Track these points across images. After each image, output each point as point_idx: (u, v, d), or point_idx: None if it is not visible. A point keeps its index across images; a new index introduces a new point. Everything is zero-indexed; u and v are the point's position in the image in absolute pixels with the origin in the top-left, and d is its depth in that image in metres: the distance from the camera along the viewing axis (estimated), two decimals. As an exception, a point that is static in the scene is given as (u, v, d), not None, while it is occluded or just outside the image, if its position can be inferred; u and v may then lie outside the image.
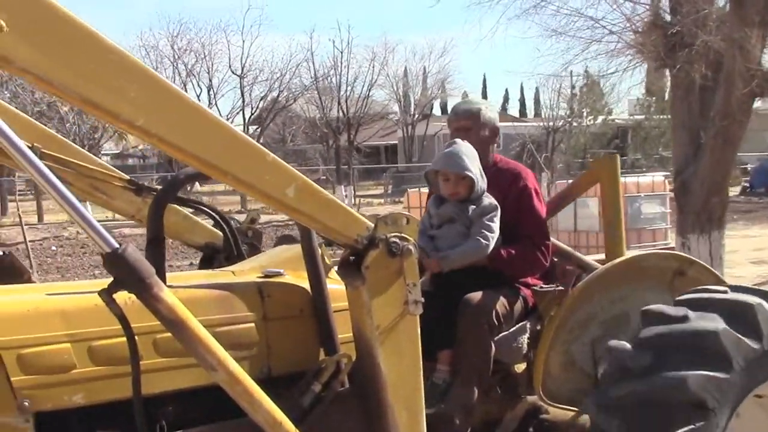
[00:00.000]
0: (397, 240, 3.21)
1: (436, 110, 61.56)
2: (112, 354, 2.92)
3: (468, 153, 4.05)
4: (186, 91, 40.99)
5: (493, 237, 3.99)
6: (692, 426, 3.40)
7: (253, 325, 3.29)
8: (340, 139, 45.62)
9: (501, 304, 4.01)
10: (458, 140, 4.13)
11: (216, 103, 41.24)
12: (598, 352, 3.95)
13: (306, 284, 3.45)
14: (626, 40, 10.73)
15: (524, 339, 4.10)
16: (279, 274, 3.52)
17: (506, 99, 78.37)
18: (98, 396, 2.92)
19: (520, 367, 4.23)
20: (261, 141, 55.51)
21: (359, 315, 3.27)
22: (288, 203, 3.00)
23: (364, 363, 3.30)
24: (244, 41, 41.77)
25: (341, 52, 44.40)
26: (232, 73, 41.44)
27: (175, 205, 4.29)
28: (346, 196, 27.72)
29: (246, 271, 3.61)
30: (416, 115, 48.99)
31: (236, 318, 3.26)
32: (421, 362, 3.34)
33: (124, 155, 55.39)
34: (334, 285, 3.44)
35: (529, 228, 4.21)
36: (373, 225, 3.21)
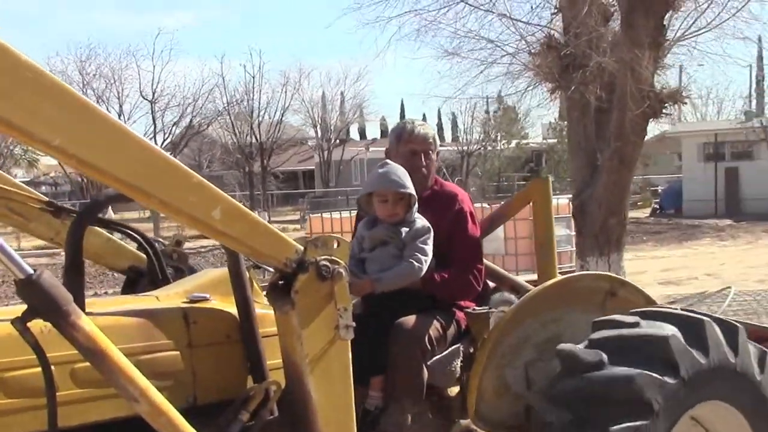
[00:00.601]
0: (328, 263, 3.13)
1: (354, 135, 61.64)
2: (27, 385, 2.77)
3: (403, 173, 4.00)
4: None
5: (426, 260, 3.92)
6: (634, 423, 3.40)
7: (177, 352, 3.16)
8: (254, 164, 45.14)
9: (434, 327, 3.94)
10: (389, 161, 4.07)
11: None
12: (531, 376, 3.91)
13: (233, 309, 3.34)
14: (522, 62, 10.75)
15: (457, 362, 4.04)
16: (205, 299, 3.39)
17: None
18: (11, 431, 2.75)
19: (454, 391, 4.16)
20: (177, 167, 54.76)
21: (288, 341, 3.17)
22: (214, 226, 2.90)
23: (293, 390, 3.20)
24: (154, 66, 41.18)
25: (253, 77, 44.27)
26: (143, 98, 40.90)
27: (97, 228, 4.11)
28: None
29: (171, 296, 3.47)
30: (334, 140, 48.92)
31: (159, 345, 3.13)
32: (353, 388, 3.25)
33: (35, 182, 54.00)
34: (263, 309, 3.33)
35: (463, 251, 4.17)
36: (302, 248, 3.11)
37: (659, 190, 38.81)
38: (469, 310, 4.11)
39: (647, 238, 24.56)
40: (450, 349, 4.05)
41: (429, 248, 3.95)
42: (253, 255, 3.12)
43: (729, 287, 7.14)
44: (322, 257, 3.13)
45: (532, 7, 10.81)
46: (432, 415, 4.05)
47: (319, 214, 15.35)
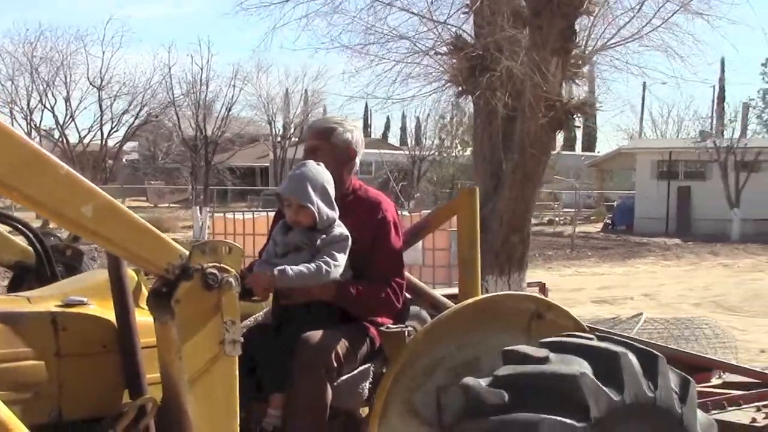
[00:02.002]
0: (215, 271, 2.84)
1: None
2: None
3: (316, 179, 3.68)
4: (43, 101, 39.15)
5: (337, 266, 3.62)
6: None
7: (42, 362, 2.86)
8: (198, 158, 44.19)
9: (342, 344, 3.64)
10: (310, 162, 3.76)
11: (73, 115, 39.53)
12: (444, 402, 3.61)
13: (113, 316, 3.02)
14: (428, 64, 10.09)
15: (367, 384, 3.75)
16: (82, 303, 3.08)
17: (387, 126, 78.46)
18: None
19: (365, 412, 3.87)
20: (132, 157, 53.78)
21: (167, 354, 2.88)
22: (85, 224, 2.60)
23: (170, 408, 2.90)
24: (104, 52, 40.22)
25: (201, 69, 42.67)
26: (90, 84, 40.00)
27: None
28: (201, 217, 26.77)
29: (44, 298, 3.15)
30: (291, 138, 48.30)
31: (20, 353, 2.82)
32: (237, 409, 2.96)
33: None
34: (148, 318, 3.01)
35: (383, 263, 3.86)
36: (187, 253, 2.81)
37: (615, 206, 38.90)
38: (383, 328, 3.82)
39: (591, 254, 24.52)
40: (360, 368, 3.76)
41: (342, 257, 3.65)
42: (130, 258, 2.82)
43: (641, 313, 6.97)
44: (210, 264, 2.84)
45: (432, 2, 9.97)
46: None
47: (222, 214, 14.61)
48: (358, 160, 4.00)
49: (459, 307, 3.85)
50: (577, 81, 9.21)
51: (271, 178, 50.26)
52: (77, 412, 2.90)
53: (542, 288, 7.00)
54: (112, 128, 40.37)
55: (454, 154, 40.27)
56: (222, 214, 14.49)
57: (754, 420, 4.94)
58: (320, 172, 3.70)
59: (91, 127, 39.99)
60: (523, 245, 9.19)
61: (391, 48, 10.33)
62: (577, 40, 8.82)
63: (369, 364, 3.79)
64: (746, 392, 5.29)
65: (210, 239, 3.02)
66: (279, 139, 49.15)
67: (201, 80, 42.54)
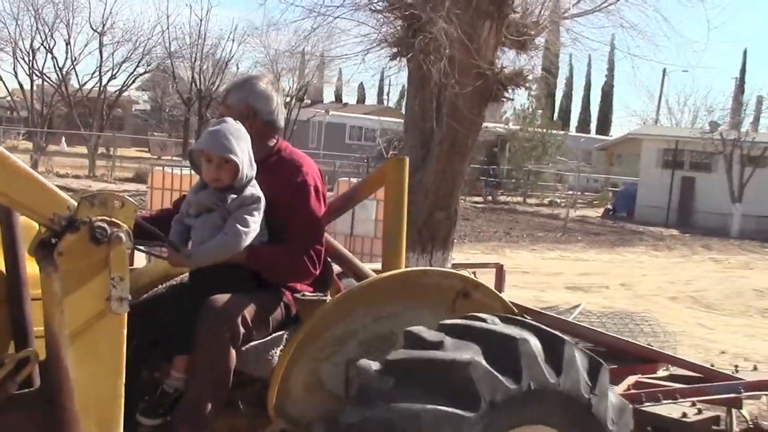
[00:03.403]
0: (105, 225, 2.74)
1: (330, 97, 60.07)
2: None
3: (236, 134, 3.58)
4: (46, 44, 38.44)
5: (248, 232, 3.52)
6: None
7: None
8: (191, 112, 43.53)
9: (251, 309, 3.55)
10: (228, 119, 3.65)
11: (74, 60, 39.13)
12: (352, 375, 3.53)
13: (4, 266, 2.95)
14: (363, 21, 9.42)
15: (278, 351, 3.66)
16: None
17: (403, 94, 77.74)
18: None
19: None
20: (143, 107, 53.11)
21: (49, 307, 2.80)
22: (-40, 168, 2.50)
23: (50, 363, 2.82)
24: None
25: (200, 20, 40.96)
26: (92, 29, 39.12)
27: None
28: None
29: None
30: (294, 99, 47.79)
31: None
32: (123, 367, 2.88)
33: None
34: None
35: (299, 227, 3.75)
36: (75, 204, 2.72)
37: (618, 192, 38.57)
38: (298, 295, 3.74)
39: (582, 239, 24.26)
40: (273, 335, 3.68)
41: (254, 220, 3.55)
42: (12, 204, 2.74)
43: (579, 304, 6.85)
44: (98, 217, 2.75)
45: None
46: (244, 406, 3.70)
47: (161, 168, 13.71)
48: (272, 119, 3.86)
49: (377, 278, 3.78)
50: (526, 52, 8.59)
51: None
52: None
53: (499, 270, 6.86)
54: (112, 76, 39.76)
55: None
56: (161, 168, 14.07)
57: (684, 415, 4.87)
58: (240, 128, 3.60)
59: (94, 73, 39.46)
60: (449, 222, 8.67)
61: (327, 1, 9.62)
62: (521, 6, 8.30)
63: (283, 332, 3.71)
64: (685, 386, 5.23)
65: (99, 192, 2.91)
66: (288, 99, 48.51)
67: (199, 32, 41.22)
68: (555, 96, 65.67)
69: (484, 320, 3.51)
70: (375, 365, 3.29)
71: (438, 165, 8.34)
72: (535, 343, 3.35)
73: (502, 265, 7.06)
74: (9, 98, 43.72)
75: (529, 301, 11.24)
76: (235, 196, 3.55)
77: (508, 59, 8.69)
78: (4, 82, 40.95)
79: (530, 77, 8.54)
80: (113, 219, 2.78)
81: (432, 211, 8.43)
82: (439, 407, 3.10)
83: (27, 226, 2.93)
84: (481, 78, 7.81)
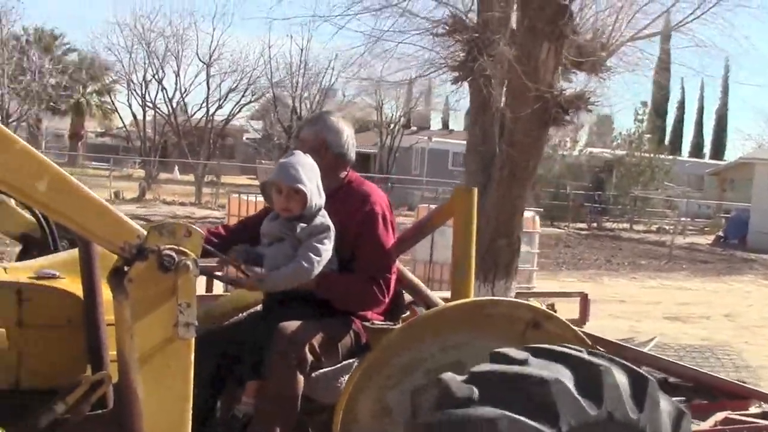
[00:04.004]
0: (172, 253, 2.86)
1: (437, 125, 59.85)
2: None
3: (305, 165, 3.70)
4: (157, 76, 39.79)
5: (319, 260, 3.62)
6: None
7: (1, 329, 2.95)
8: (290, 139, 43.91)
9: (321, 336, 3.63)
10: (297, 151, 3.78)
11: (183, 91, 40.38)
12: (419, 403, 3.55)
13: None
14: (425, 45, 9.37)
15: (346, 378, 3.73)
16: (53, 277, 3.17)
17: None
18: None
19: None
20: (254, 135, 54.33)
21: (121, 333, 2.93)
22: (38, 198, 2.69)
23: (122, 386, 2.95)
24: (214, 29, 40.20)
25: (301, 50, 40.99)
26: (200, 60, 40.34)
27: None
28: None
29: (19, 270, 3.27)
30: (397, 126, 47.99)
31: None
32: (190, 392, 2.99)
33: (108, 134, 55.05)
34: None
35: (368, 257, 3.83)
36: (145, 233, 2.85)
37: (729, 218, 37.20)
38: (367, 324, 3.80)
39: (686, 267, 23.46)
40: (343, 363, 3.75)
41: (325, 248, 3.64)
42: (87, 234, 2.89)
43: (654, 337, 6.63)
44: (167, 246, 2.87)
45: None
46: (314, 431, 3.77)
47: (237, 196, 13.89)
48: (343, 152, 3.98)
49: (444, 307, 3.80)
50: (596, 74, 8.33)
51: (375, 165, 50.24)
52: (35, 382, 3.00)
53: (583, 299, 6.70)
54: (218, 106, 40.85)
55: (561, 152, 39.30)
56: (237, 195, 14.01)
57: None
58: (309, 160, 3.72)
59: (202, 104, 40.70)
60: (510, 249, 8.42)
61: (394, 25, 9.67)
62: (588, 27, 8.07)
63: (353, 360, 3.77)
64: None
65: (168, 221, 3.04)
66: (390, 125, 48.77)
67: (300, 61, 41.52)
68: (666, 120, 64.13)
69: (570, 348, 3.50)
70: (458, 377, 3.32)
71: (498, 191, 8.18)
72: (620, 376, 3.32)
73: (586, 294, 6.89)
74: (124, 129, 45.46)
75: (623, 332, 11.01)
76: (304, 225, 3.65)
77: (578, 81, 8.50)
78: (119, 114, 42.63)
79: (592, 99, 8.21)
80: (181, 247, 2.89)
81: (494, 238, 8.27)
82: (519, 417, 3.11)
83: (106, 257, 3.07)
84: (540, 101, 7.62)
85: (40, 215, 3.88)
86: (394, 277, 3.90)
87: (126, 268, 2.88)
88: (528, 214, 14.51)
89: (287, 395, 3.52)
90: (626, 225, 36.92)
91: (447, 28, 8.66)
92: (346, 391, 3.56)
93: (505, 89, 8.11)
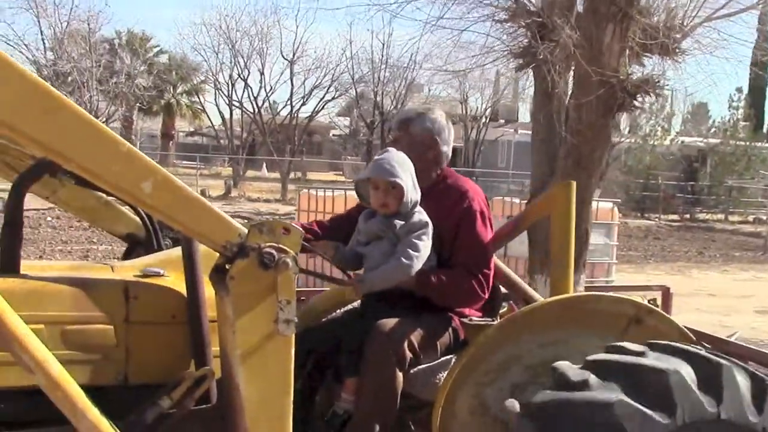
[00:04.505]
0: (273, 251, 2.90)
1: (525, 116, 59.03)
2: None
3: (400, 161, 3.69)
4: (242, 75, 40.21)
5: (418, 257, 3.61)
6: None
7: (110, 326, 3.03)
8: (373, 136, 43.71)
9: (419, 333, 3.62)
10: (391, 149, 3.78)
11: (269, 89, 40.77)
12: (518, 400, 3.52)
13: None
14: (485, 32, 8.91)
15: (445, 375, 3.72)
16: (158, 275, 3.24)
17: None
18: None
19: None
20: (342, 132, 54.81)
21: (222, 329, 2.99)
22: (143, 199, 2.77)
23: (225, 382, 3.01)
24: (297, 26, 40.41)
25: (383, 45, 40.37)
26: (283, 58, 40.46)
27: (97, 192, 4.03)
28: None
29: (126, 268, 3.35)
30: (484, 119, 47.53)
31: (91, 317, 3.01)
32: (291, 387, 3.03)
33: (197, 133, 56.16)
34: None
35: (467, 253, 3.81)
36: (246, 231, 2.90)
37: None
38: (466, 320, 3.79)
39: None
40: (441, 359, 3.74)
41: (424, 244, 3.63)
42: (189, 233, 2.95)
43: (735, 332, 6.34)
44: (267, 244, 2.91)
45: None
46: (415, 428, 3.78)
47: (307, 191, 13.94)
48: (446, 149, 3.97)
49: (541, 303, 3.77)
50: (671, 57, 7.87)
51: (460, 159, 49.96)
52: (142, 377, 3.06)
53: (665, 293, 6.48)
54: (303, 103, 41.12)
55: (652, 142, 38.34)
56: (306, 191, 14.02)
57: None
58: (403, 156, 3.72)
59: (288, 101, 41.02)
60: (578, 242, 8.04)
61: (451, 12, 9.08)
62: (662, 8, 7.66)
63: (451, 356, 3.76)
64: None
65: (268, 219, 3.09)
66: (476, 118, 48.32)
67: (381, 57, 41.17)
68: (764, 107, 61.81)
69: (632, 352, 3.40)
70: (574, 365, 3.33)
71: (563, 181, 7.97)
72: (688, 372, 3.22)
73: (668, 288, 6.65)
74: (212, 128, 46.23)
75: (710, 326, 10.63)
76: (402, 222, 3.65)
77: (650, 64, 8.10)
78: (207, 114, 43.24)
79: (661, 83, 7.80)
80: (280, 245, 2.93)
81: None
82: (635, 404, 3.09)
83: (209, 255, 3.13)
84: (605, 86, 7.34)
85: (144, 215, 3.96)
86: (492, 273, 3.88)
87: (227, 266, 2.93)
88: (607, 205, 14.25)
89: (386, 392, 3.53)
90: (721, 216, 35.87)
91: (509, 13, 8.36)
92: (444, 387, 3.55)
93: (570, 76, 7.83)
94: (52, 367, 2.61)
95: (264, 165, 45.88)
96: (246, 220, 3.12)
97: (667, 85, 8.37)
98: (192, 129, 55.14)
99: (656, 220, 33.02)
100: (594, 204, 14.61)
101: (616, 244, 14.32)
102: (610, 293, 4.07)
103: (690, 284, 16.12)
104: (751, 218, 35.09)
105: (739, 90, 42.35)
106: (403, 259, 3.58)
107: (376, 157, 3.77)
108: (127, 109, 37.87)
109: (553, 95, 8.07)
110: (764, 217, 33.63)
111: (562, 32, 7.34)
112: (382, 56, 40.98)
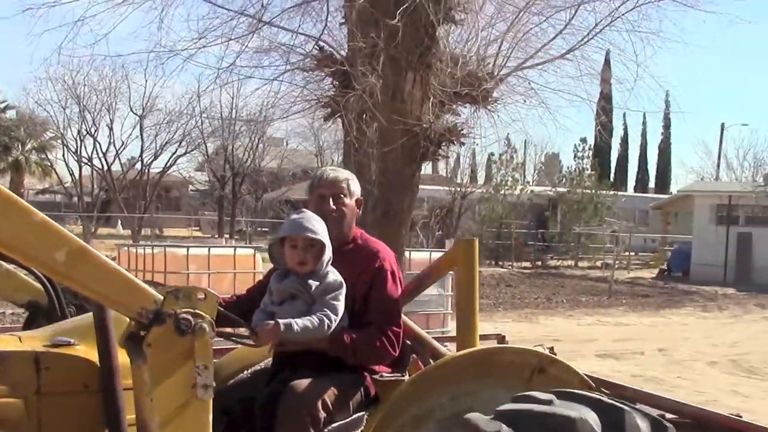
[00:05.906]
0: (189, 317, 2.87)
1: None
2: None
3: (317, 220, 3.76)
4: (91, 131, 38.76)
5: (336, 318, 3.65)
6: None
7: (20, 400, 2.94)
8: (225, 188, 43.77)
9: (332, 392, 3.63)
10: (306, 210, 3.83)
11: (120, 144, 40.00)
12: None
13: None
14: (295, 82, 8.99)
15: None
16: (68, 344, 3.15)
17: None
18: None
19: None
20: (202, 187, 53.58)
21: (139, 396, 2.94)
22: (57, 269, 2.71)
23: (142, 451, 2.91)
24: (146, 81, 37.74)
25: (232, 98, 39.10)
26: (132, 112, 39.85)
27: None
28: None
29: (34, 338, 3.26)
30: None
31: (0, 391, 2.86)
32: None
33: (49, 191, 54.17)
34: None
35: (379, 312, 3.87)
36: (162, 298, 2.84)
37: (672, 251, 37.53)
38: (376, 377, 3.80)
39: (626, 302, 23.27)
40: (354, 416, 3.74)
41: (340, 305, 3.67)
42: (104, 301, 2.91)
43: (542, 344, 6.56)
44: (183, 310, 2.88)
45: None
46: None
47: (126, 249, 13.81)
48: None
49: (452, 357, 3.83)
50: (484, 106, 8.01)
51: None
52: None
53: (501, 340, 6.64)
54: (154, 158, 40.35)
55: (503, 191, 39.48)
56: (126, 249, 13.82)
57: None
58: (317, 216, 3.78)
59: (139, 156, 40.19)
60: None
61: (250, 59, 9.32)
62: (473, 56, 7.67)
63: (363, 413, 3.77)
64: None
65: (183, 285, 3.04)
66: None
67: (230, 112, 40.35)
68: (610, 156, 64.65)
69: (540, 401, 3.47)
70: (485, 417, 3.30)
71: (374, 233, 7.99)
72: (593, 418, 3.30)
73: (503, 336, 6.77)
74: (61, 186, 44.71)
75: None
76: (317, 282, 3.68)
77: (465, 113, 8.12)
78: (55, 171, 41.71)
79: (465, 131, 7.85)
80: (197, 311, 2.89)
81: None
82: None
83: (118, 321, 3.06)
84: (408, 135, 7.25)
85: (46, 282, 3.82)
86: (402, 330, 3.93)
87: (142, 333, 2.87)
88: (437, 255, 14.16)
89: None
90: (571, 262, 37.07)
91: (315, 61, 8.28)
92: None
93: (372, 123, 7.70)
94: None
95: (119, 222, 44.71)
96: (159, 285, 3.06)
97: (471, 133, 8.38)
98: (42, 187, 53.22)
99: (509, 267, 33.76)
100: (426, 253, 14.34)
101: (450, 294, 13.47)
102: (508, 344, 4.16)
103: (536, 330, 16.47)
104: (599, 263, 36.42)
105: (584, 140, 44.36)
106: (324, 318, 3.59)
107: (293, 216, 3.81)
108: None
109: (360, 144, 7.92)
110: (610, 262, 35.08)
111: (364, 81, 7.18)
112: (231, 110, 40.52)
